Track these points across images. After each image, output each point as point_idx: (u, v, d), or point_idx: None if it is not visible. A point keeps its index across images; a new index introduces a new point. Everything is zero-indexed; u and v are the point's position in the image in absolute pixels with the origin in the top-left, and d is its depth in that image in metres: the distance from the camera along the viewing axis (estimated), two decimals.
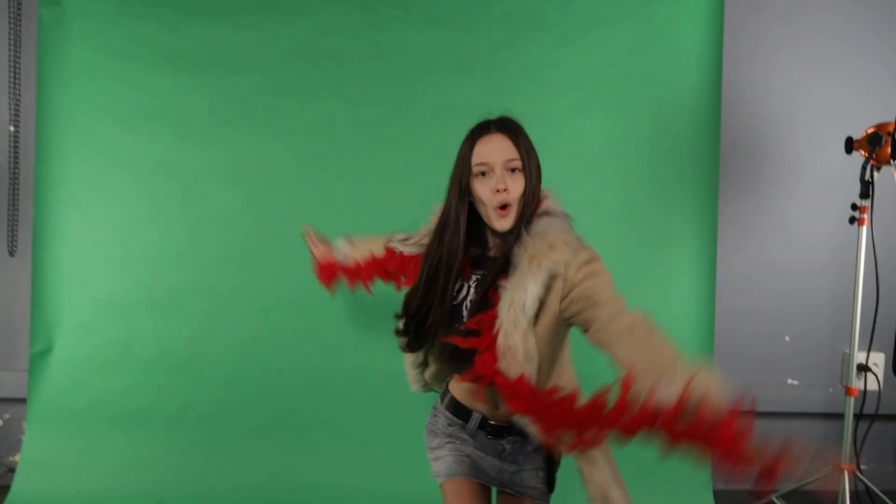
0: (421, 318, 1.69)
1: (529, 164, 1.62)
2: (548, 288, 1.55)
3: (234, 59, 2.87)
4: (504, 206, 1.61)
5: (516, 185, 1.61)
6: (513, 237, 1.61)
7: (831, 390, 3.30)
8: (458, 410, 1.77)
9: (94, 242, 2.87)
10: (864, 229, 2.63)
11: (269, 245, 2.89)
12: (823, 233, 3.20)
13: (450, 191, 1.66)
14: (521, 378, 1.53)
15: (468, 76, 2.88)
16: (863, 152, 2.54)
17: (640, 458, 2.90)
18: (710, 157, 2.98)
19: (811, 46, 3.19)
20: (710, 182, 2.98)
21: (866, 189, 2.58)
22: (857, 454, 2.97)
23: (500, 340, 1.54)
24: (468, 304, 1.66)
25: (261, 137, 2.89)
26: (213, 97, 2.87)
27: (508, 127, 1.65)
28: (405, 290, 1.78)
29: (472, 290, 1.68)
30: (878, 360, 3.23)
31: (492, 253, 1.70)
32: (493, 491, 1.84)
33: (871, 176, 2.57)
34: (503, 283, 1.58)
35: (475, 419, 1.74)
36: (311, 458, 2.85)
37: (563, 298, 1.55)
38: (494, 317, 1.57)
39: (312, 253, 2.21)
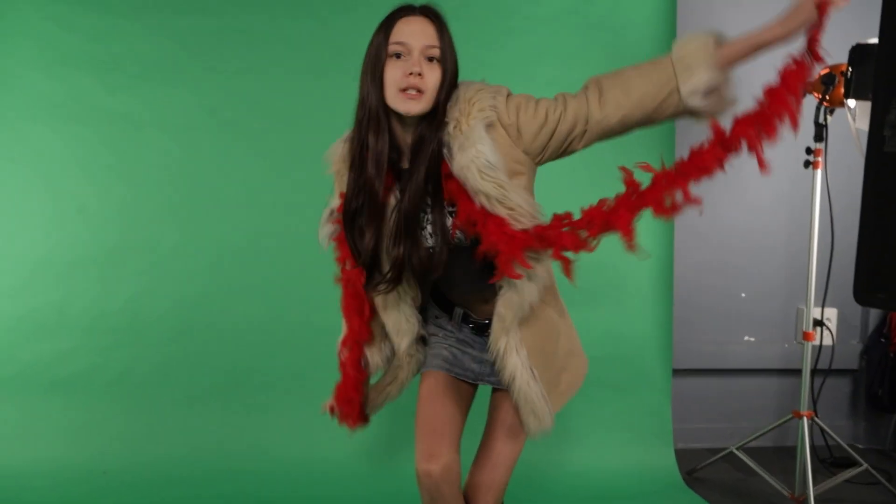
0: (382, 256, 1.58)
1: (450, 58, 1.51)
2: (494, 140, 1.49)
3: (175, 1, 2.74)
4: (414, 91, 1.48)
5: (432, 75, 1.49)
6: (433, 122, 1.50)
7: (786, 346, 3.31)
8: (442, 303, 1.73)
9: (23, 198, 2.70)
10: (819, 173, 2.63)
11: (213, 197, 2.76)
12: (779, 186, 3.20)
13: (363, 81, 1.53)
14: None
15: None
16: (816, 94, 2.54)
17: (601, 419, 2.93)
18: None
19: None
20: (665, 135, 2.96)
21: (820, 132, 2.58)
22: (814, 401, 2.98)
23: (502, 212, 1.47)
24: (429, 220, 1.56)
25: (203, 83, 2.75)
26: (153, 40, 2.72)
27: (433, 14, 1.53)
28: None
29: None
30: (831, 315, 3.25)
31: (406, 162, 1.57)
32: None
33: (825, 118, 2.56)
34: (451, 167, 1.49)
35: (458, 313, 1.71)
36: (261, 420, 2.74)
37: (515, 141, 1.51)
38: (473, 209, 1.48)
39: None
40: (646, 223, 2.96)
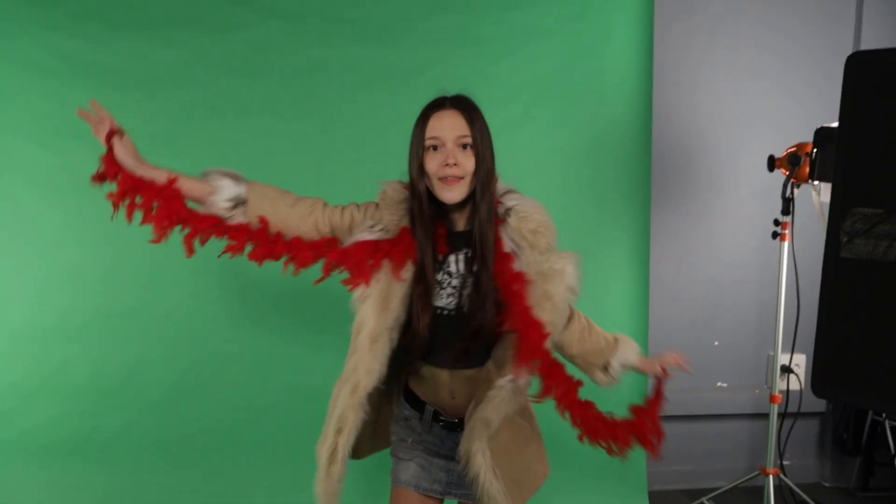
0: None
1: (482, 143, 1.65)
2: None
3: (162, 75, 2.80)
4: (451, 179, 1.62)
5: (468, 162, 1.63)
6: (482, 201, 1.64)
7: (757, 391, 3.44)
8: (414, 402, 1.81)
9: (14, 265, 2.77)
10: (786, 244, 2.75)
11: (202, 264, 2.83)
12: (749, 244, 3.33)
13: (410, 169, 1.68)
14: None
15: (401, 91, 2.87)
16: (784, 170, 2.65)
17: (577, 459, 3.05)
18: (642, 171, 3.06)
19: (736, 58, 3.30)
20: (642, 196, 3.06)
21: (787, 206, 2.70)
22: (780, 456, 3.12)
23: (546, 320, 1.63)
24: (453, 285, 1.68)
25: (191, 155, 2.81)
26: (142, 115, 2.79)
27: (463, 104, 1.67)
28: (295, 272, 1.73)
29: (452, 271, 1.69)
30: (800, 361, 3.39)
31: (458, 230, 1.71)
32: None
33: (792, 193, 2.67)
34: (514, 263, 1.64)
35: (428, 412, 1.78)
36: (253, 479, 2.83)
37: None
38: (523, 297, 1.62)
39: (108, 148, 1.87)
40: (620, 278, 3.11)
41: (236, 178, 1.81)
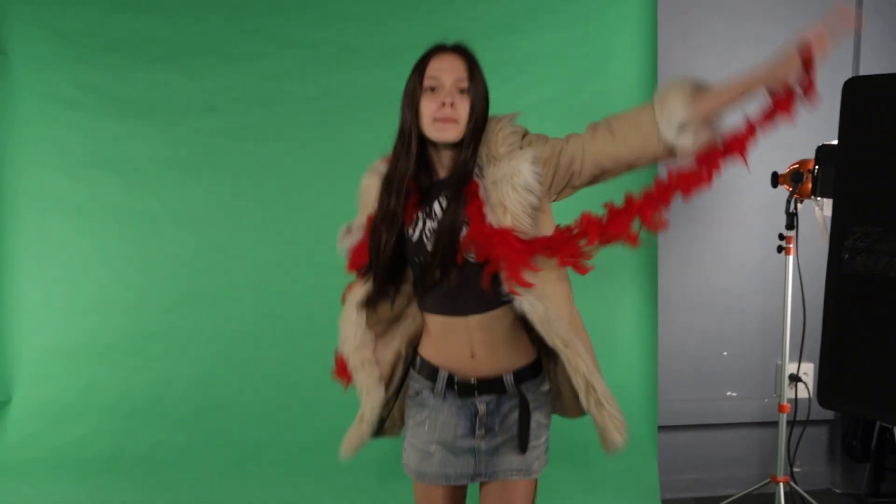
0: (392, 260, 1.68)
1: (478, 91, 1.66)
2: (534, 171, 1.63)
3: (183, 104, 2.90)
4: (446, 120, 1.63)
5: (463, 105, 1.64)
6: (468, 148, 1.64)
7: (766, 401, 3.51)
8: (426, 369, 1.75)
9: (46, 291, 2.89)
10: (791, 258, 2.82)
11: (224, 287, 2.93)
12: (755, 256, 3.39)
13: (402, 114, 1.69)
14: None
15: None
16: (787, 187, 2.73)
17: (590, 468, 3.11)
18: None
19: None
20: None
21: (791, 221, 2.77)
22: (790, 464, 3.18)
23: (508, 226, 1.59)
24: (427, 233, 1.66)
25: (212, 180, 2.94)
26: (164, 142, 2.91)
27: (463, 51, 1.69)
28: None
29: (425, 220, 1.67)
30: (807, 370, 3.45)
31: (441, 177, 1.71)
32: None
33: (795, 208, 2.75)
34: (479, 189, 1.62)
35: (442, 378, 1.72)
36: (279, 493, 2.90)
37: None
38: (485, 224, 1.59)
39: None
40: (631, 291, 3.18)
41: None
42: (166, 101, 2.90)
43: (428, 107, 1.64)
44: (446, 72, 1.65)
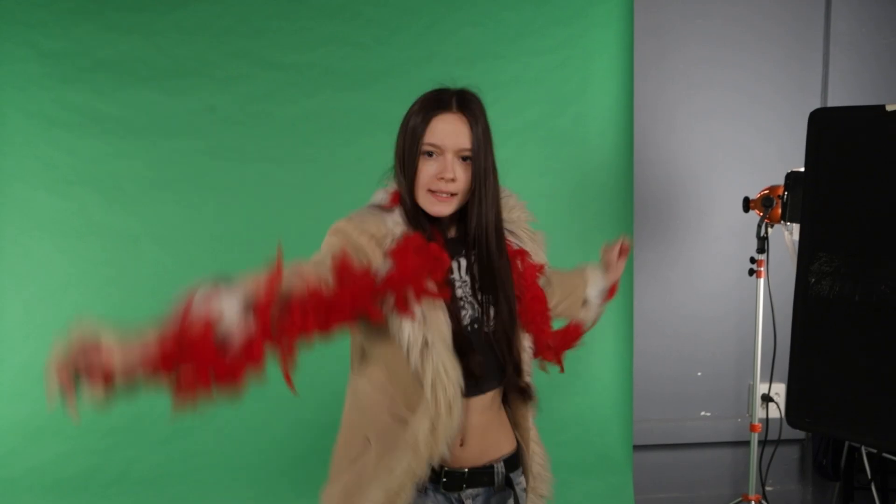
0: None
1: (482, 155, 1.45)
2: None
3: (167, 124, 2.93)
4: (443, 195, 1.44)
5: (465, 177, 1.44)
6: (475, 213, 1.47)
7: (739, 420, 3.57)
8: (476, 478, 1.53)
9: (24, 308, 2.88)
10: (762, 281, 2.90)
11: None
12: (727, 279, 3.47)
13: (395, 170, 1.51)
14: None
15: (393, 137, 3.00)
16: (758, 212, 2.81)
17: (564, 490, 3.15)
18: (625, 212, 3.22)
19: (712, 102, 3.46)
20: (625, 234, 3.20)
21: (762, 245, 2.85)
22: (762, 483, 3.24)
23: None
24: (466, 294, 1.49)
25: (194, 200, 2.96)
26: (147, 161, 2.93)
27: (469, 108, 1.47)
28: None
29: (456, 279, 1.50)
30: (779, 390, 3.52)
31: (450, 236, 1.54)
32: None
33: (766, 233, 2.83)
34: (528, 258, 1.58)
35: (499, 472, 1.54)
36: None
37: None
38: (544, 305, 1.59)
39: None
40: (606, 313, 3.23)
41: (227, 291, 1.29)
42: (150, 121, 2.93)
43: (426, 173, 1.45)
44: (448, 137, 1.44)
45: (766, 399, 3.35)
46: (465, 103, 1.47)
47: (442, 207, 1.45)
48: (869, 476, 3.35)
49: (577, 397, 3.20)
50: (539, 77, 3.12)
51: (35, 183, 2.87)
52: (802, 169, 2.51)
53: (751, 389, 3.23)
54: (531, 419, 1.60)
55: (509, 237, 1.59)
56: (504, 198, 1.58)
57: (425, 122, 1.47)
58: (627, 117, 3.20)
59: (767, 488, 3.41)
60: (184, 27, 2.91)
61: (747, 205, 2.87)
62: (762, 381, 3.21)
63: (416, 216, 1.47)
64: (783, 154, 3.35)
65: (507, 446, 1.56)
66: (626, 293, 3.24)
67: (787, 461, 3.66)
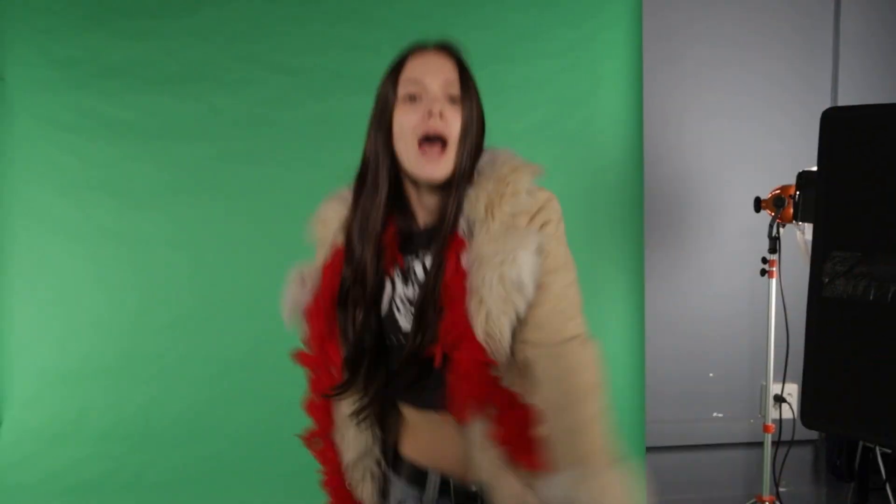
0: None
1: (471, 103, 1.24)
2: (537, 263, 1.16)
3: (177, 127, 2.94)
4: (435, 141, 1.18)
5: (455, 121, 1.21)
6: (456, 192, 1.19)
7: (752, 421, 3.56)
8: (409, 472, 1.34)
9: (39, 313, 2.89)
10: (774, 281, 2.89)
11: (218, 309, 2.96)
12: (739, 279, 3.46)
13: (368, 138, 1.30)
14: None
15: None
16: (769, 211, 2.80)
17: None
18: (635, 213, 3.20)
19: (721, 102, 3.46)
20: (636, 236, 3.20)
21: (774, 245, 2.84)
22: (776, 484, 3.22)
23: (480, 330, 1.14)
24: (400, 300, 1.25)
25: (207, 204, 2.96)
26: (159, 166, 2.93)
27: (451, 48, 1.28)
28: None
29: (399, 282, 1.26)
30: (792, 390, 3.51)
31: (422, 225, 1.27)
32: None
33: (778, 232, 2.82)
34: (464, 253, 1.18)
35: (433, 483, 1.29)
36: None
37: None
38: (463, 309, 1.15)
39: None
40: (617, 314, 3.23)
41: None
42: (160, 125, 2.93)
43: (407, 121, 1.21)
44: (432, 72, 1.22)
45: (779, 400, 3.34)
46: (445, 44, 1.28)
47: (434, 167, 1.19)
48: (884, 477, 3.34)
49: None
50: (548, 79, 3.12)
51: (47, 187, 2.88)
52: (814, 168, 2.50)
53: (763, 390, 3.22)
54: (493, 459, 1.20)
55: (476, 226, 1.19)
56: (507, 164, 1.25)
57: (401, 64, 1.25)
58: (637, 118, 3.19)
59: (781, 489, 3.40)
60: (193, 32, 2.92)
61: (758, 205, 2.86)
62: (775, 381, 3.20)
63: (377, 181, 1.23)
64: (794, 154, 3.34)
65: (448, 461, 1.28)
66: (638, 295, 3.23)
67: (800, 462, 3.65)
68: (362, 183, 1.30)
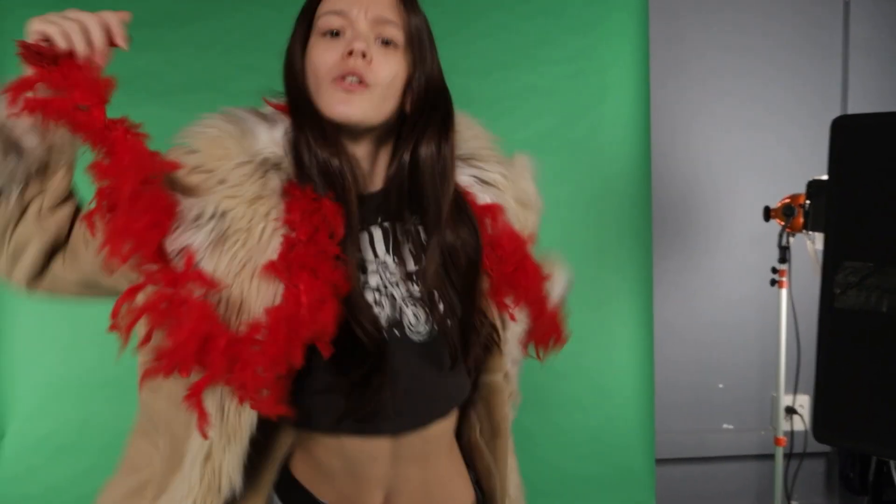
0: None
1: (426, 45, 1.04)
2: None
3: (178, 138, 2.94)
4: (351, 79, 0.96)
5: (387, 64, 0.99)
6: (407, 140, 1.01)
7: (763, 433, 3.51)
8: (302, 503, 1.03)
9: (42, 324, 2.87)
10: (784, 291, 2.85)
11: None
12: (749, 288, 3.42)
13: (284, 72, 1.08)
14: None
15: None
16: (779, 220, 2.76)
17: (585, 502, 3.10)
18: (643, 222, 3.18)
19: (730, 110, 3.42)
20: (644, 245, 3.17)
21: (783, 254, 2.81)
22: (788, 497, 3.17)
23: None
24: (381, 285, 1.02)
25: None
26: None
27: None
28: None
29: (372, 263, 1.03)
30: (803, 402, 3.45)
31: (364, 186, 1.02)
32: None
33: (788, 242, 2.78)
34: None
35: None
36: None
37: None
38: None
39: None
40: (626, 323, 3.20)
41: None
42: (161, 135, 2.91)
43: (322, 58, 1.00)
44: (357, 4, 0.99)
45: (790, 411, 3.29)
46: None
47: (347, 105, 0.97)
48: None
49: (597, 409, 3.16)
50: (554, 87, 3.10)
51: None
52: (824, 177, 2.46)
53: (774, 401, 3.17)
54: (510, 456, 1.14)
55: (473, 185, 1.09)
56: (462, 129, 1.08)
57: None
58: (644, 126, 3.16)
59: (793, 503, 3.35)
60: (196, 43, 2.91)
61: (768, 214, 2.83)
62: (786, 392, 3.15)
63: (325, 135, 0.97)
64: (804, 162, 3.30)
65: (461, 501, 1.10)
66: (646, 304, 3.19)
67: (812, 475, 3.59)
68: (301, 126, 1.04)
